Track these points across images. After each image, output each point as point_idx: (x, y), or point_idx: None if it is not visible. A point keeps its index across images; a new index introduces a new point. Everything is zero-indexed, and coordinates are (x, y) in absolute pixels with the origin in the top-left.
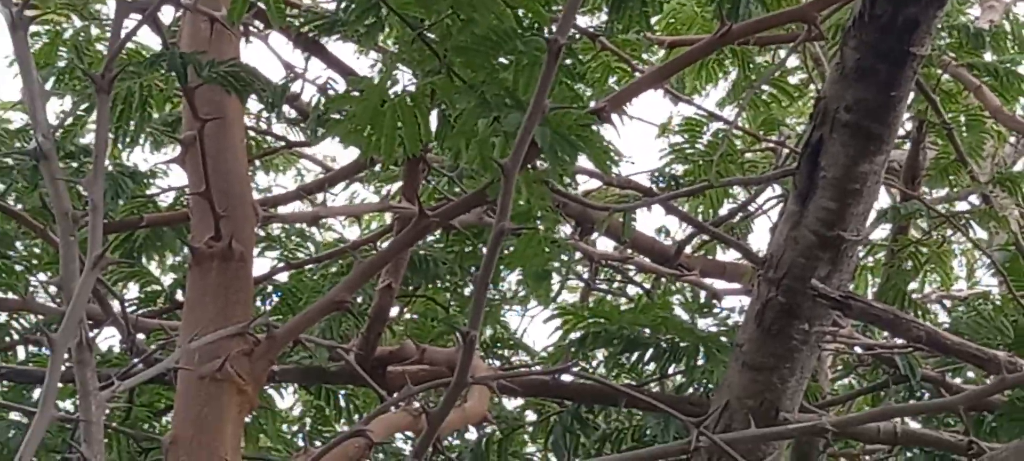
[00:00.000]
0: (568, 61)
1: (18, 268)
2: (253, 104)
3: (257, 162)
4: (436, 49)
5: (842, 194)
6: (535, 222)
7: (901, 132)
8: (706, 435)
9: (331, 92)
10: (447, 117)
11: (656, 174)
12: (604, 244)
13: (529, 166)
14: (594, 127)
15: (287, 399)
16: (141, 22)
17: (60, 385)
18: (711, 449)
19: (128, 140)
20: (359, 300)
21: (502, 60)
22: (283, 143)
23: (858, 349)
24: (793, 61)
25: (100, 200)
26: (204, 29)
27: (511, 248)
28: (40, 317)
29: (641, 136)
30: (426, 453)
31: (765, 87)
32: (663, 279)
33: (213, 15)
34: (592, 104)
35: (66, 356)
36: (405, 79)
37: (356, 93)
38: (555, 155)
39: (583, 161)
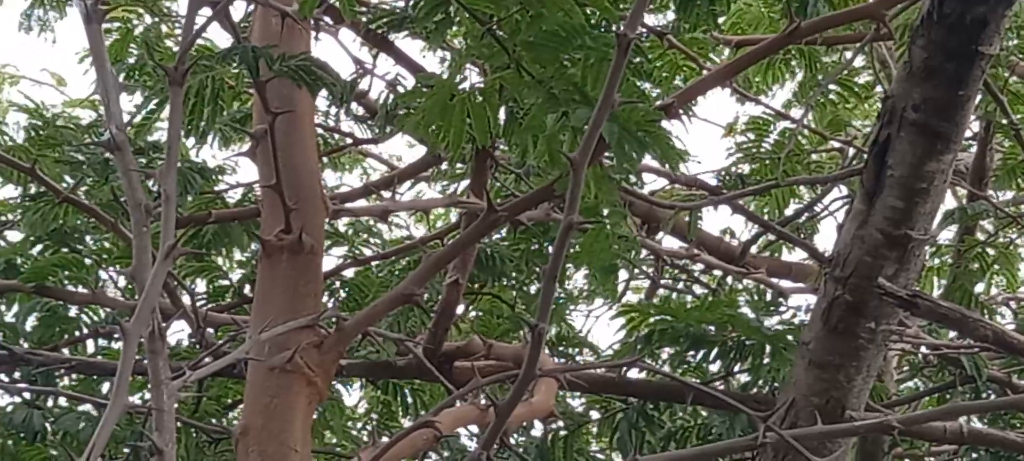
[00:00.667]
0: (636, 59)
1: (88, 262)
2: (322, 101)
3: (325, 159)
4: (505, 45)
5: (909, 193)
6: (602, 217)
7: (968, 133)
8: (773, 430)
9: (400, 88)
10: (515, 113)
11: (722, 173)
12: (670, 244)
13: (597, 162)
14: (661, 124)
15: (354, 396)
16: (213, 16)
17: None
18: (777, 446)
19: (200, 134)
20: (426, 297)
21: (570, 56)
22: (351, 140)
23: (924, 349)
24: (860, 61)
25: (173, 191)
26: (275, 24)
27: (578, 244)
28: (110, 311)
29: (708, 137)
30: (492, 447)
31: (832, 87)
32: (729, 278)
33: (284, 10)
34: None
35: (138, 347)
36: (474, 76)
37: (426, 88)
38: (623, 151)
39: (650, 160)
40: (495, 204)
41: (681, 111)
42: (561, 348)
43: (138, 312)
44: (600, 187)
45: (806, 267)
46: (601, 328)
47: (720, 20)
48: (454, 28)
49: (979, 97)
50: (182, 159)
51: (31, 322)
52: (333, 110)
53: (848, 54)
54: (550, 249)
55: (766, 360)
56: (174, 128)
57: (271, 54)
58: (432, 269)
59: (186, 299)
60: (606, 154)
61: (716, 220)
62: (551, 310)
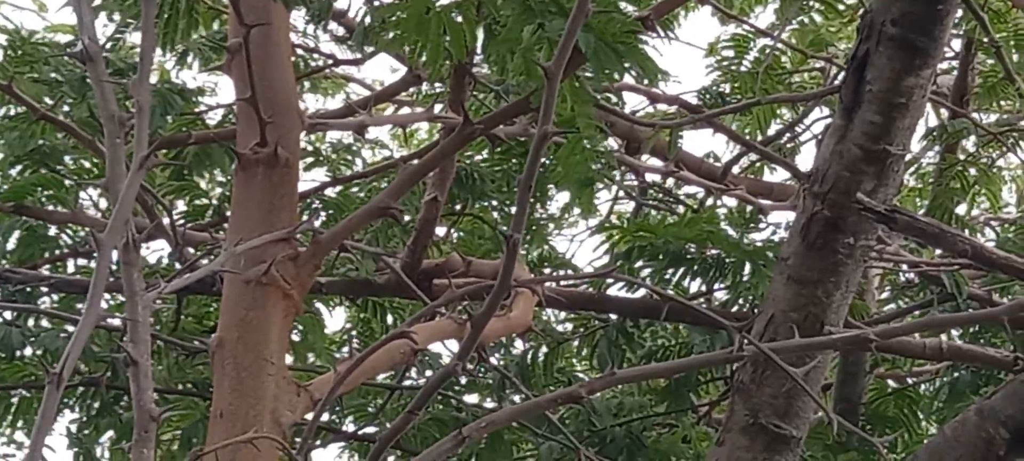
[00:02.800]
0: None
1: (67, 182)
2: (301, 20)
3: (306, 83)
4: None
5: (888, 108)
6: (577, 129)
7: (950, 53)
8: (750, 341)
9: (377, 3)
10: (493, 30)
11: (703, 92)
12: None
13: (573, 75)
14: (639, 36)
15: (337, 319)
16: None
17: (108, 297)
18: (756, 360)
19: (173, 46)
20: (407, 218)
21: None
22: (331, 61)
23: (905, 267)
24: None
25: (147, 103)
26: None
27: (554, 157)
28: (90, 230)
29: (690, 60)
30: (472, 360)
31: (816, 6)
32: (710, 199)
33: None
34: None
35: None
36: None
37: (403, 1)
38: (599, 62)
39: (631, 80)
40: (472, 118)
41: (658, 25)
42: (544, 269)
43: (112, 223)
44: (576, 100)
45: (788, 187)
46: (584, 253)
47: None
48: None
49: (960, 14)
50: (162, 80)
51: (11, 243)
52: (312, 30)
53: None
54: None
55: (745, 277)
56: (147, 38)
57: None
58: (408, 182)
59: (165, 219)
60: (583, 68)
61: (698, 143)
62: (531, 232)
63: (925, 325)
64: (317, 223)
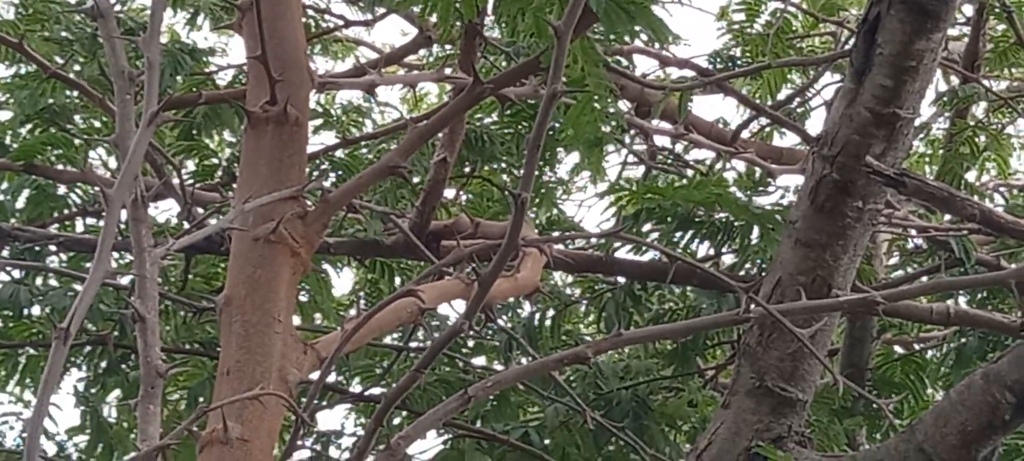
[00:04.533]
0: None
1: (77, 142)
2: None
3: (317, 45)
4: None
5: (898, 71)
6: (587, 88)
7: (961, 18)
8: (757, 302)
9: None
10: None
11: (714, 55)
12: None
13: (583, 34)
14: None
15: (345, 280)
16: None
17: (116, 256)
18: (763, 322)
19: (186, 4)
20: (416, 178)
21: None
22: (342, 22)
23: (913, 232)
24: None
25: (156, 58)
26: None
27: (564, 118)
28: (99, 189)
29: (701, 25)
30: (479, 321)
31: None
32: (719, 163)
33: None
34: None
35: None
36: None
37: None
38: (610, 22)
39: (642, 47)
40: (481, 78)
41: None
42: (552, 232)
43: (120, 178)
44: (586, 60)
45: (797, 152)
46: (593, 217)
47: None
48: None
49: None
50: (172, 40)
51: (21, 201)
52: None
53: None
54: None
55: (754, 240)
56: None
57: None
58: (417, 141)
59: (174, 178)
60: (594, 28)
61: (709, 109)
62: (540, 195)
63: (932, 288)
64: (326, 183)
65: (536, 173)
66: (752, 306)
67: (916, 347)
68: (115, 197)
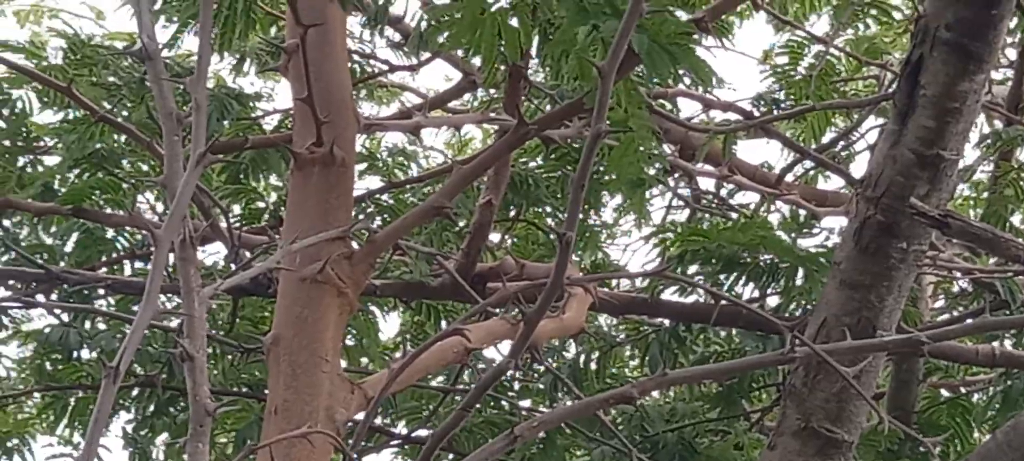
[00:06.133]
0: None
1: (125, 185)
2: (358, 26)
3: (362, 90)
4: None
5: (942, 112)
6: (631, 129)
7: (1005, 62)
8: (801, 340)
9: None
10: (548, 33)
11: (757, 98)
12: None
13: (626, 75)
14: (693, 37)
15: (392, 325)
16: None
17: (164, 299)
18: (808, 362)
19: (232, 47)
20: (462, 222)
21: None
22: (386, 66)
23: (958, 274)
24: None
25: (204, 100)
26: None
27: (607, 159)
28: (146, 232)
29: (745, 69)
30: (526, 362)
31: (869, 10)
32: (764, 204)
33: None
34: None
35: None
36: None
37: (457, 1)
38: (653, 63)
39: (686, 90)
40: (525, 119)
41: (713, 31)
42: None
43: (169, 219)
44: (629, 101)
45: (842, 195)
46: (637, 261)
47: None
48: None
49: (1015, 22)
50: (218, 85)
51: (70, 245)
52: (368, 35)
53: None
54: None
55: (798, 282)
56: (205, 36)
57: None
58: (462, 182)
59: (222, 222)
60: (637, 70)
61: (753, 153)
62: (580, 230)
63: (976, 328)
64: (373, 225)
65: (580, 216)
66: (797, 345)
67: (962, 390)
68: (163, 237)
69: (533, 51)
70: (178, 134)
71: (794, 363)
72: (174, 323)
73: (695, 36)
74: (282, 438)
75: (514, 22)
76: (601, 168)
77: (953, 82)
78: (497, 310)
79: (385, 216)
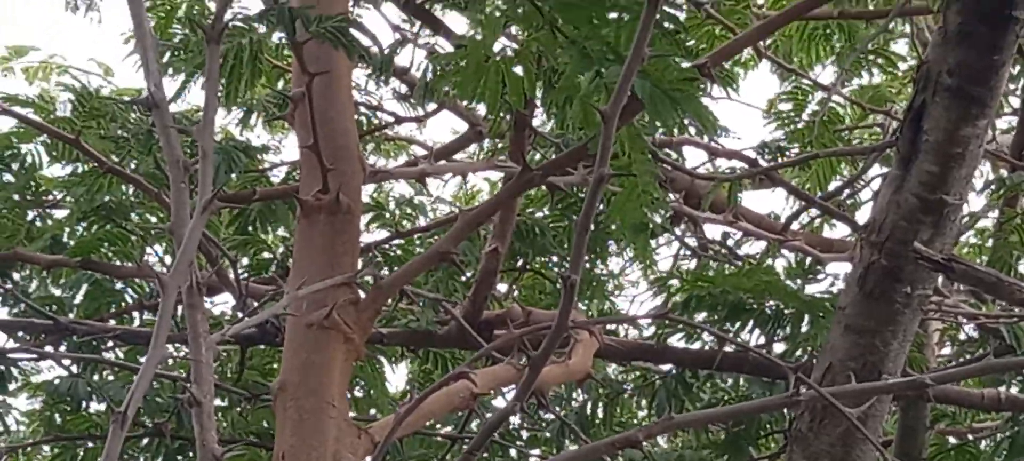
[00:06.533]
0: (668, 24)
1: (133, 237)
2: (363, 77)
3: (369, 142)
4: (539, 5)
5: (945, 158)
6: (633, 174)
7: (1008, 110)
8: (806, 382)
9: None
10: (552, 81)
11: (762, 146)
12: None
13: (629, 122)
14: (695, 84)
15: (399, 377)
16: None
17: (171, 348)
18: (813, 406)
19: (238, 96)
20: (469, 273)
21: (603, 16)
22: (393, 118)
23: (962, 319)
24: (903, 46)
25: (210, 147)
26: None
27: (610, 203)
28: (155, 284)
29: (749, 119)
30: (532, 407)
31: (873, 58)
32: (769, 251)
33: None
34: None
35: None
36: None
37: (461, 48)
38: (656, 109)
39: (691, 138)
40: (530, 166)
41: (717, 80)
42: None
43: (176, 264)
44: (632, 147)
45: (847, 243)
46: (644, 311)
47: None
48: None
49: (1017, 69)
50: (226, 138)
51: (78, 296)
52: (374, 87)
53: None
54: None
55: (804, 328)
56: (211, 84)
57: (308, 15)
58: (468, 228)
59: (229, 271)
60: (640, 116)
61: (759, 202)
62: (586, 279)
63: (980, 371)
64: (374, 263)
65: (586, 265)
66: (802, 388)
67: (970, 437)
68: (171, 282)
69: (537, 100)
70: (185, 182)
71: (799, 406)
72: (182, 373)
73: (698, 82)
74: None
75: (518, 70)
76: (607, 214)
77: (956, 127)
78: (503, 355)
79: (393, 265)
